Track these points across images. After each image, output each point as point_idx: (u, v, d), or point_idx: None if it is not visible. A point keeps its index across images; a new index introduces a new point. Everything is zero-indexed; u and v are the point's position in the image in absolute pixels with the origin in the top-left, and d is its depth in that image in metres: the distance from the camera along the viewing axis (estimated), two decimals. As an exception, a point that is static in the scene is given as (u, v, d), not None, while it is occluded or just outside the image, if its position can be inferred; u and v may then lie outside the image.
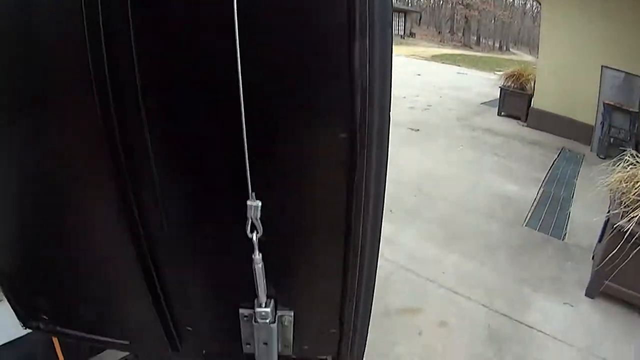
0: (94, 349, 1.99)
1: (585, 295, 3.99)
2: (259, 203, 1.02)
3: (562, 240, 4.76)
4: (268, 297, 1.14)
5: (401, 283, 4.13)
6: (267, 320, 1.14)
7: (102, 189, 1.13)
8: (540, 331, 3.64)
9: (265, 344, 1.18)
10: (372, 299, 1.22)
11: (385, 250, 4.50)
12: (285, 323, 1.20)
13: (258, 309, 1.14)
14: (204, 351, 1.40)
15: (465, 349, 3.49)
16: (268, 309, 1.13)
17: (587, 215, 5.06)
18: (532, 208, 5.26)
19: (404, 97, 10.19)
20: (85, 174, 1.15)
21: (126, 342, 1.41)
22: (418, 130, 7.65)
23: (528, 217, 5.10)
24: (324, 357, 1.33)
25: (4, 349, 1.71)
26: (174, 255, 1.22)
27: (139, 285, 1.23)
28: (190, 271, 1.26)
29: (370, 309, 1.24)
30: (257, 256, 1.08)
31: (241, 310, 1.19)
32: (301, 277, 1.22)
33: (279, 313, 1.19)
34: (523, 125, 7.61)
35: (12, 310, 1.42)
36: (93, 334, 1.40)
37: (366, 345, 1.36)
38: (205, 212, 1.17)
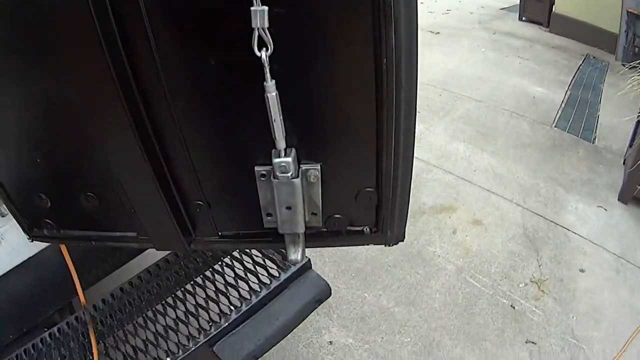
0: (107, 269, 1.89)
1: (618, 200, 3.80)
2: (265, 8, 0.77)
3: (592, 143, 4.51)
4: (289, 146, 0.94)
5: (433, 181, 3.88)
6: (289, 174, 0.93)
7: (94, 59, 0.91)
8: (576, 233, 3.45)
9: (289, 208, 0.97)
10: (413, 156, 1.03)
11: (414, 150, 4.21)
12: (312, 179, 1.00)
13: (277, 160, 0.93)
14: (219, 233, 1.23)
15: (500, 248, 3.30)
16: (289, 159, 0.92)
17: (616, 120, 4.76)
18: (560, 110, 4.96)
19: (422, 2, 9.54)
20: (76, 47, 0.93)
21: (134, 234, 1.26)
22: (439, 33, 7.14)
23: (557, 118, 4.81)
24: (361, 228, 1.14)
25: (14, 272, 1.57)
26: (177, 112, 1.00)
27: (139, 158, 1.04)
28: (195, 129, 1.04)
29: (411, 168, 1.05)
30: (270, 83, 0.84)
31: (257, 169, 0.98)
32: (327, 120, 0.99)
33: (303, 167, 0.98)
34: (545, 31, 7.10)
35: (18, 227, 1.33)
36: (99, 230, 1.29)
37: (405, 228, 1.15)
38: (208, 47, 0.93)
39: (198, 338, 1.70)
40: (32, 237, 1.35)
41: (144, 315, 1.84)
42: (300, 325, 2.78)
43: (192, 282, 1.91)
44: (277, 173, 0.92)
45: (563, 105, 5.04)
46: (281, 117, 0.87)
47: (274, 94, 0.84)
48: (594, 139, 4.57)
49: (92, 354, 1.70)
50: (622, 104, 5.08)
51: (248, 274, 1.90)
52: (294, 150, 0.95)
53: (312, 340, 2.69)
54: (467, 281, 3.08)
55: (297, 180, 0.93)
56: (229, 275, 1.93)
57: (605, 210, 3.69)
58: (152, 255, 1.93)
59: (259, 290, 1.84)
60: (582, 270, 3.19)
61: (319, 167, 0.99)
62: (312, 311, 1.89)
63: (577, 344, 2.75)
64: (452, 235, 3.40)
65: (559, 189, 3.86)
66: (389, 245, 1.16)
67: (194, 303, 1.85)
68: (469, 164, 4.12)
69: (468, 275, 3.12)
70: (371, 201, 1.07)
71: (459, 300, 2.96)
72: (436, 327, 2.81)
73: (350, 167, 1.04)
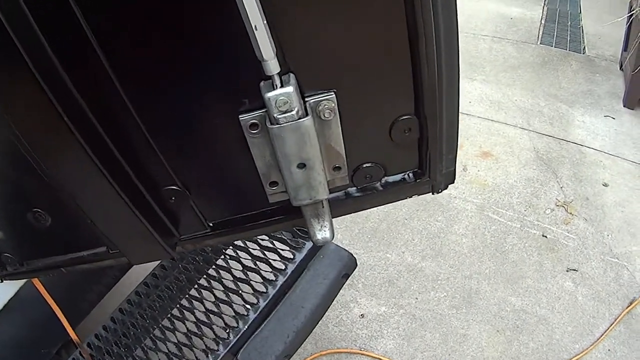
0: (93, 300, 1.56)
1: (624, 106, 3.45)
2: None
3: (583, 53, 4.16)
4: (284, 72, 0.58)
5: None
6: (295, 112, 0.57)
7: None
8: (590, 147, 3.13)
9: (302, 165, 0.62)
10: (459, 64, 0.68)
11: None
12: (326, 115, 0.64)
13: (271, 94, 0.56)
14: (210, 224, 0.87)
15: (516, 177, 2.97)
16: (290, 88, 0.56)
17: (601, 27, 4.40)
18: (542, 26, 4.59)
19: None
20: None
21: (103, 249, 0.90)
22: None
23: (540, 35, 4.45)
24: (401, 176, 0.81)
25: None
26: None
27: (77, 148, 0.65)
28: (144, 82, 0.66)
29: (458, 81, 0.71)
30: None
31: (242, 118, 0.62)
32: (337, 23, 0.60)
33: (310, 100, 0.62)
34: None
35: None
36: (65, 253, 0.96)
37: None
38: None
39: (217, 350, 1.40)
40: (-1, 277, 1.06)
41: (151, 335, 1.51)
42: None
43: (196, 286, 1.58)
44: (276, 114, 0.57)
45: (543, 21, 4.65)
46: (265, 22, 0.51)
47: None
48: (584, 49, 4.21)
49: None
50: (603, 10, 4.73)
51: (258, 263, 1.57)
52: (292, 75, 0.60)
53: (342, 317, 2.35)
54: (491, 218, 2.75)
55: (308, 120, 0.59)
56: (236, 269, 1.59)
57: (613, 118, 3.36)
58: (145, 266, 1.57)
59: (275, 279, 1.52)
60: (605, 185, 2.87)
61: (334, 95, 0.63)
62: (340, 288, 1.59)
63: (618, 262, 2.46)
64: (464, 173, 3.04)
65: (561, 105, 3.51)
66: (438, 192, 0.84)
67: (204, 310, 1.52)
68: (462, 95, 3.71)
69: (491, 212, 2.78)
70: (410, 133, 0.73)
71: (488, 241, 2.63)
72: (470, 275, 2.48)
73: (379, 88, 0.68)
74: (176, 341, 1.47)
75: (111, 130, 0.68)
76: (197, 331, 1.48)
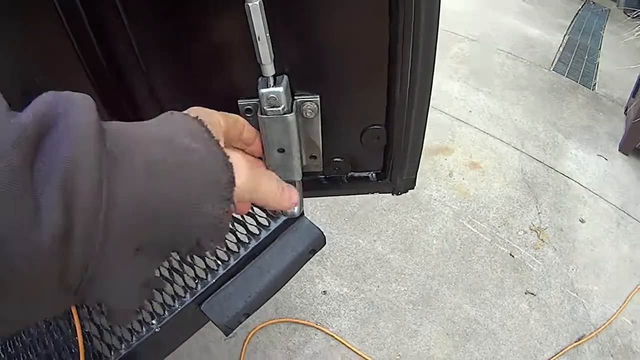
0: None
1: (619, 150, 3.47)
2: None
3: (592, 89, 4.14)
4: (279, 73, 0.68)
5: (428, 121, 3.44)
6: (281, 108, 0.68)
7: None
8: (576, 181, 3.14)
9: (282, 150, 0.73)
10: (431, 83, 0.77)
11: None
12: (308, 114, 0.76)
13: (264, 90, 0.67)
14: None
15: (498, 193, 2.98)
16: (280, 89, 0.67)
17: (616, 68, 4.40)
18: (558, 54, 4.55)
19: None
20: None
21: None
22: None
23: (555, 62, 4.41)
24: (366, 174, 0.93)
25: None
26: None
27: None
28: (158, 56, 0.78)
29: (429, 99, 0.80)
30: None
31: (240, 102, 0.74)
32: (328, 38, 0.73)
33: (298, 99, 0.75)
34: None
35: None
36: None
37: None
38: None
39: (184, 297, 1.44)
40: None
41: None
42: None
43: None
44: (265, 107, 0.67)
45: (561, 49, 4.62)
46: (267, 34, 0.62)
47: (257, 2, 0.58)
48: (594, 85, 4.20)
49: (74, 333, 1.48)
50: (624, 52, 4.72)
51: (236, 225, 1.58)
52: (285, 77, 0.70)
53: (305, 290, 2.36)
54: (465, 227, 2.77)
55: (291, 116, 0.68)
56: None
57: (606, 159, 3.38)
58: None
59: (248, 242, 1.54)
60: (582, 221, 2.90)
61: (318, 98, 0.74)
62: (306, 262, 1.60)
63: (576, 297, 2.49)
64: (449, 178, 3.05)
65: (558, 135, 3.52)
66: (397, 194, 0.97)
67: (178, 259, 1.55)
68: (464, 104, 3.73)
69: (466, 221, 2.80)
70: (379, 141, 0.85)
71: (457, 247, 2.65)
72: (434, 275, 2.51)
73: (357, 99, 0.80)
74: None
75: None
76: (169, 277, 1.51)
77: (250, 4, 0.58)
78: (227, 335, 1.44)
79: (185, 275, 1.50)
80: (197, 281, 1.47)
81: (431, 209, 2.84)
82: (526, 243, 2.74)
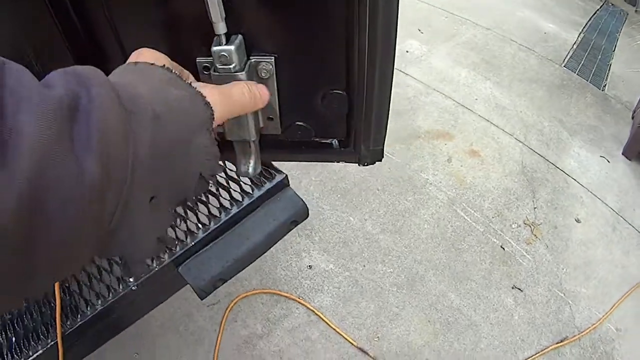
0: None
1: (623, 154, 3.35)
2: None
3: (602, 90, 4.00)
4: (234, 32, 0.68)
5: (431, 105, 3.37)
6: (232, 67, 0.66)
7: None
8: (576, 180, 3.03)
9: None
10: (394, 52, 0.72)
11: (413, 71, 3.66)
12: (263, 74, 0.74)
13: (216, 48, 0.66)
14: None
15: (496, 184, 2.87)
16: (231, 47, 0.66)
17: (629, 71, 4.27)
18: (572, 51, 4.40)
19: None
20: None
21: None
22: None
23: (567, 58, 4.26)
24: (329, 140, 0.89)
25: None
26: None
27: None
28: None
29: (392, 68, 0.76)
30: None
31: (198, 60, 0.72)
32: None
33: (254, 59, 0.72)
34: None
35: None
36: None
37: (386, 137, 0.89)
38: None
39: (162, 258, 1.42)
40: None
41: None
42: (280, 246, 2.36)
43: None
44: (217, 65, 0.68)
45: (575, 46, 4.46)
46: None
47: None
48: (604, 86, 4.06)
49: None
50: (637, 56, 4.57)
51: (220, 190, 1.54)
52: (239, 37, 0.70)
53: (292, 263, 2.28)
54: (458, 214, 2.67)
55: (242, 74, 0.68)
56: None
57: (608, 161, 3.27)
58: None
59: (230, 207, 1.50)
60: (577, 220, 2.80)
61: (273, 59, 0.74)
62: (287, 233, 1.54)
63: (563, 298, 2.41)
64: (447, 164, 2.94)
65: (562, 131, 3.40)
66: (364, 165, 0.93)
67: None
68: (470, 91, 3.60)
69: (459, 208, 2.70)
70: (340, 107, 0.82)
71: (448, 234, 2.56)
72: (421, 260, 2.42)
73: (315, 61, 0.77)
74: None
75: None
76: None
77: None
78: (201, 299, 1.41)
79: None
80: (176, 242, 1.44)
81: (426, 192, 2.74)
82: (518, 237, 2.64)
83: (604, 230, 2.77)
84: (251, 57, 0.72)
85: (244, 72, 0.67)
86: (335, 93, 0.78)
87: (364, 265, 2.33)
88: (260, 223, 1.53)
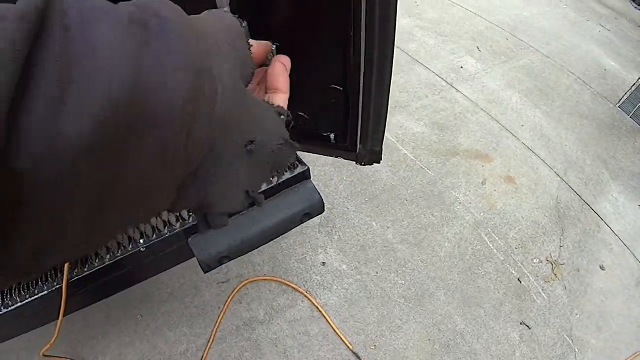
0: None
1: (663, 208, 2.94)
2: None
3: (653, 137, 3.54)
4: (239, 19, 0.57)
5: (477, 125, 3.09)
6: None
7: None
8: (608, 226, 2.71)
9: None
10: (392, 56, 0.67)
11: (465, 88, 3.38)
12: (265, 61, 0.64)
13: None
14: None
15: (526, 214, 2.59)
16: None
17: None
18: (629, 92, 3.98)
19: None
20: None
21: None
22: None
23: (623, 99, 3.85)
24: (327, 134, 0.84)
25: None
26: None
27: None
28: None
29: (390, 71, 0.69)
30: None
31: None
32: None
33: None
34: (636, 8, 5.71)
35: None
36: None
37: (384, 137, 0.82)
38: None
39: (174, 226, 1.41)
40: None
41: None
42: (299, 238, 2.21)
43: None
44: None
45: (633, 88, 4.03)
46: None
47: None
48: (656, 134, 3.64)
49: None
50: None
51: None
52: (245, 23, 0.58)
53: (307, 257, 2.12)
54: (482, 239, 2.43)
55: None
56: None
57: (646, 211, 2.92)
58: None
59: None
60: (602, 268, 2.51)
61: (275, 47, 0.64)
62: (299, 224, 1.47)
63: (571, 345, 2.16)
64: (480, 186, 2.69)
65: (604, 173, 3.06)
66: (362, 164, 0.90)
67: None
68: (518, 116, 3.29)
69: (484, 233, 2.46)
70: (337, 102, 0.77)
71: (467, 257, 2.33)
72: (435, 278, 2.21)
73: (313, 54, 0.72)
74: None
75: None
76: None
77: None
78: (205, 272, 1.37)
79: None
80: (190, 215, 1.42)
81: (453, 211, 2.51)
82: (538, 273, 2.39)
83: (627, 283, 2.47)
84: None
85: None
86: (335, 88, 0.74)
87: (377, 272, 2.15)
88: (274, 210, 1.46)
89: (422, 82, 3.32)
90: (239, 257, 1.43)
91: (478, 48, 3.94)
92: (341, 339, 1.94)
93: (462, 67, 3.62)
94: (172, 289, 1.91)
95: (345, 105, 0.77)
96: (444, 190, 2.58)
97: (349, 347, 1.93)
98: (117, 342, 1.75)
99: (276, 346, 1.88)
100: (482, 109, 3.25)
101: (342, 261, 2.13)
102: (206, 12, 0.46)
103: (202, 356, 1.79)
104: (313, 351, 1.91)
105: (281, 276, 2.03)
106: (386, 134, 2.77)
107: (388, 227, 2.31)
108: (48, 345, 1.57)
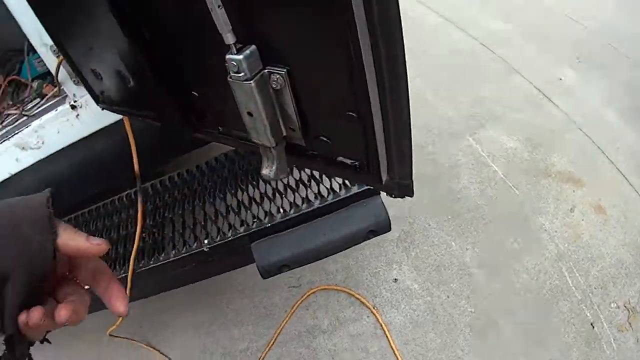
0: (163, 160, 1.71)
1: None
2: None
3: None
4: (248, 42, 0.64)
5: (571, 143, 2.76)
6: (241, 75, 0.63)
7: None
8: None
9: (250, 114, 0.68)
10: (406, 83, 0.60)
11: (561, 101, 3.02)
12: (274, 85, 0.67)
13: (227, 56, 0.63)
14: (219, 128, 0.93)
15: (611, 251, 2.35)
16: (239, 57, 0.62)
17: None
18: None
19: None
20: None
21: (153, 114, 1.05)
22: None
23: None
24: (350, 161, 0.77)
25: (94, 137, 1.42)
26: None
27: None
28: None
29: (405, 90, 0.61)
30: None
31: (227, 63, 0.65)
32: (292, 20, 0.61)
33: (267, 69, 0.65)
34: None
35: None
36: (134, 109, 1.09)
37: (412, 166, 0.72)
38: None
39: (238, 230, 1.42)
40: (101, 107, 1.17)
41: (197, 200, 1.59)
42: (375, 251, 2.08)
43: (250, 177, 1.57)
44: (230, 72, 0.63)
45: None
46: (220, 7, 0.58)
47: None
48: None
49: (135, 227, 1.51)
50: None
51: (311, 181, 1.44)
52: (252, 48, 0.63)
53: (379, 271, 2.00)
54: (562, 273, 2.23)
55: (250, 84, 0.62)
56: (292, 177, 1.53)
57: None
58: (217, 149, 1.63)
59: (313, 200, 1.41)
60: (683, 323, 2.26)
61: (284, 71, 0.64)
62: (363, 241, 1.40)
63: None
64: (569, 213, 2.44)
65: None
66: (392, 196, 0.81)
67: (248, 197, 1.51)
68: (615, 137, 2.91)
69: (565, 267, 2.25)
70: (356, 131, 0.68)
71: (543, 292, 2.15)
72: (506, 310, 2.06)
73: (324, 80, 0.65)
74: (214, 210, 1.50)
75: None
76: (235, 208, 1.48)
77: None
78: (263, 278, 1.39)
79: (248, 211, 1.46)
80: (255, 220, 1.42)
81: (536, 239, 2.30)
82: (612, 319, 2.18)
83: None
84: (267, 68, 0.65)
85: (252, 82, 0.63)
86: (351, 115, 0.68)
87: (448, 296, 2.01)
88: (339, 224, 1.41)
89: (518, 93, 2.98)
90: (299, 267, 1.40)
91: (578, 58, 3.48)
92: (399, 360, 1.86)
93: (560, 79, 3.22)
94: (244, 287, 1.87)
95: (363, 134, 0.70)
96: (530, 214, 2.35)
97: (405, 371, 1.85)
98: (182, 332, 1.75)
99: (333, 358, 1.82)
100: (577, 127, 2.90)
101: (415, 280, 2.01)
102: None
103: (260, 357, 1.76)
104: (370, 369, 1.84)
105: (351, 287, 1.94)
106: (478, 147, 2.52)
107: (467, 249, 2.15)
108: (114, 326, 1.59)
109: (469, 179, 2.33)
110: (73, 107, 1.36)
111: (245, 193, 1.51)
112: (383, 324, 1.90)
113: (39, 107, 1.54)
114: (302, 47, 0.64)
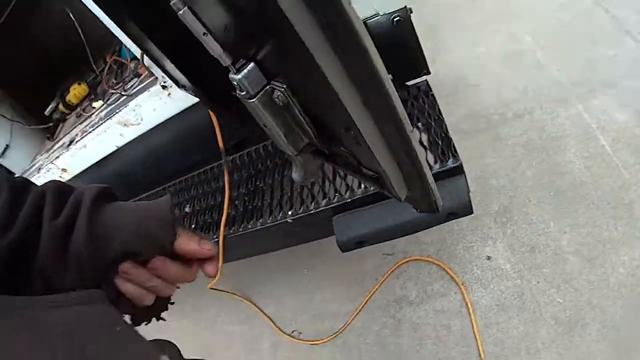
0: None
1: None
2: None
3: None
4: (248, 60, 0.61)
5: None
6: (244, 93, 0.63)
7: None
8: None
9: (265, 125, 0.68)
10: (390, 99, 0.58)
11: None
12: (277, 102, 0.64)
13: (230, 76, 0.63)
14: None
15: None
16: (237, 76, 0.61)
17: None
18: None
19: None
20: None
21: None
22: None
23: None
24: (373, 174, 0.76)
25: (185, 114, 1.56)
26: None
27: None
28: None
29: (393, 116, 0.62)
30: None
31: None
32: (284, 37, 0.57)
33: (270, 86, 0.64)
34: None
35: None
36: (201, 98, 1.11)
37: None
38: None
39: (320, 203, 1.43)
40: (182, 90, 1.17)
41: (280, 173, 1.62)
42: (472, 224, 1.80)
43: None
44: (237, 90, 0.63)
45: None
46: (206, 34, 0.56)
47: (184, 9, 0.53)
48: None
49: (224, 196, 1.61)
50: None
51: None
52: (251, 65, 0.61)
53: (474, 246, 1.75)
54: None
55: (251, 102, 0.62)
56: None
57: None
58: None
59: None
60: None
61: (284, 88, 0.63)
62: (439, 224, 1.35)
63: None
64: None
65: None
66: (417, 211, 0.81)
67: (334, 171, 1.50)
68: None
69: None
70: (357, 142, 0.66)
71: (638, 290, 1.88)
72: (595, 305, 1.82)
73: (316, 96, 0.63)
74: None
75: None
76: (320, 182, 1.48)
77: (179, 13, 0.54)
78: (342, 252, 1.38)
79: (331, 185, 1.46)
80: (337, 194, 1.42)
81: (639, 228, 2.00)
82: None
83: None
84: (271, 83, 0.63)
85: (254, 100, 0.62)
86: (347, 130, 0.65)
87: (538, 282, 1.77)
88: None
89: (634, 58, 2.55)
90: (376, 243, 1.39)
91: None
92: (477, 345, 1.65)
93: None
94: (335, 254, 1.66)
95: (367, 149, 0.67)
96: (636, 199, 2.04)
97: (480, 356, 1.64)
98: (279, 289, 1.70)
99: (415, 331, 1.63)
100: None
101: (508, 259, 1.76)
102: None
103: (347, 321, 1.59)
104: (447, 347, 1.65)
105: (444, 260, 1.70)
106: (587, 117, 2.16)
107: (565, 232, 1.87)
108: (215, 280, 1.51)
109: (574, 152, 2.01)
110: (164, 87, 1.46)
111: (331, 166, 1.48)
112: (469, 303, 1.68)
113: (136, 87, 1.66)
114: (289, 65, 0.62)
